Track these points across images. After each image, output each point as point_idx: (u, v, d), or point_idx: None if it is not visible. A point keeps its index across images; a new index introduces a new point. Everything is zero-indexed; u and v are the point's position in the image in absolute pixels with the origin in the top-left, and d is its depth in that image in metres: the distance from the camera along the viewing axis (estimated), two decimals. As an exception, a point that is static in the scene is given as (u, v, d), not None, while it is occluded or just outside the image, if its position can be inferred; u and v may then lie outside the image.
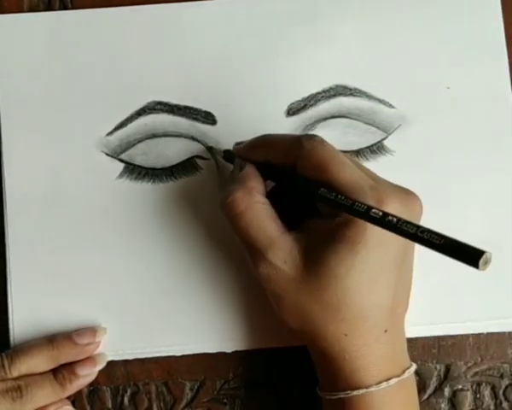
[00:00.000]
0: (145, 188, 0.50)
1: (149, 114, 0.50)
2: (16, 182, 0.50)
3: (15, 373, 0.45)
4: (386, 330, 0.41)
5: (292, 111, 0.50)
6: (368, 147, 0.50)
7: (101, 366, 0.48)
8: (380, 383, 0.41)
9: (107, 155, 0.50)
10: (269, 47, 0.51)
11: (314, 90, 0.50)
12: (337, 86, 0.50)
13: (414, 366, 0.43)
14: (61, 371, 0.47)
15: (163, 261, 0.49)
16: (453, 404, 0.49)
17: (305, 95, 0.50)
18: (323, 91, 0.50)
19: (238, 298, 0.49)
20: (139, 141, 0.50)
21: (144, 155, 0.50)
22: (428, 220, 0.49)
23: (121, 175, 0.50)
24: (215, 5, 0.51)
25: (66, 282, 0.49)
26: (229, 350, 0.49)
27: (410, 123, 0.50)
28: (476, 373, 0.49)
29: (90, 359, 0.48)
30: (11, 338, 0.49)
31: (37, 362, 0.46)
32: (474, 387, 0.49)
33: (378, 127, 0.50)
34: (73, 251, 0.49)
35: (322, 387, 0.44)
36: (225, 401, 0.49)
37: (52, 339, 0.47)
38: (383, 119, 0.50)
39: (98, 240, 0.49)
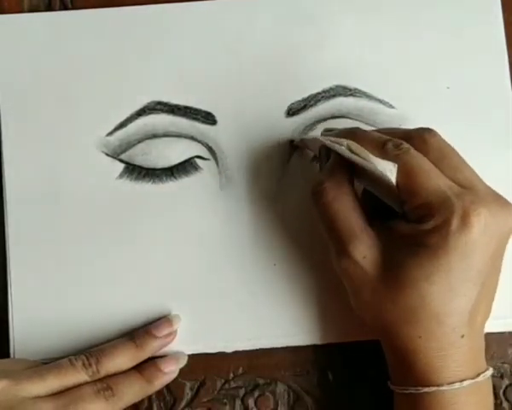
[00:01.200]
0: (145, 188, 0.50)
1: (149, 114, 0.50)
2: (16, 182, 0.50)
3: (103, 373, 0.45)
4: (463, 336, 0.41)
5: (292, 111, 0.50)
6: (368, 147, 0.50)
7: (182, 363, 0.48)
8: (453, 383, 0.41)
9: (108, 155, 0.50)
10: (269, 47, 0.51)
11: (314, 91, 0.50)
12: (337, 86, 0.50)
13: (490, 370, 0.43)
14: (147, 369, 0.47)
15: (163, 262, 0.49)
16: (453, 404, 0.49)
17: (305, 95, 0.50)
18: (323, 92, 0.50)
19: (241, 296, 0.49)
20: (139, 141, 0.50)
21: (144, 155, 0.50)
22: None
23: (121, 175, 0.50)
24: (215, 5, 0.51)
25: (67, 282, 0.49)
26: (228, 350, 0.49)
27: (410, 123, 0.50)
28: (476, 373, 0.49)
29: (172, 356, 0.48)
30: (11, 338, 0.49)
31: (122, 360, 0.46)
32: (475, 387, 0.49)
33: (378, 127, 0.50)
34: (73, 251, 0.49)
35: (393, 381, 0.44)
36: (225, 401, 0.49)
37: (133, 336, 0.47)
38: (383, 119, 0.50)
39: (98, 240, 0.49)
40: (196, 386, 0.49)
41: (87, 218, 0.49)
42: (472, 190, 0.41)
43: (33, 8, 0.52)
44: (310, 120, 0.50)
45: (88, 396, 0.44)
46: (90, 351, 0.46)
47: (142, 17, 0.51)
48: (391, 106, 0.50)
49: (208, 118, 0.50)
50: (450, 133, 0.50)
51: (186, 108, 0.50)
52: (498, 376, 0.49)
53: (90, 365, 0.45)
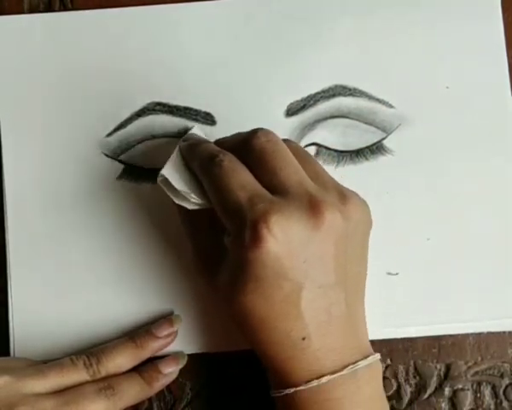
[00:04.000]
0: (145, 189, 0.50)
1: (149, 114, 0.50)
2: (16, 182, 0.50)
3: (103, 372, 0.46)
4: (303, 338, 0.40)
5: (291, 111, 0.50)
6: (367, 147, 0.50)
7: (182, 363, 0.48)
8: (310, 381, 0.40)
9: (107, 155, 0.50)
10: (268, 47, 0.51)
11: (313, 91, 0.50)
12: (336, 86, 0.50)
13: (362, 363, 0.41)
14: (147, 371, 0.47)
15: (163, 262, 0.49)
16: (453, 403, 0.49)
17: (305, 95, 0.50)
18: (323, 91, 0.50)
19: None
20: (139, 142, 0.50)
21: (144, 155, 0.50)
22: (428, 220, 0.50)
23: (121, 176, 0.50)
24: (215, 6, 0.51)
25: (67, 282, 0.49)
26: (229, 350, 0.49)
27: (410, 123, 0.50)
28: (476, 373, 0.49)
29: (172, 357, 0.48)
30: (11, 338, 0.49)
31: (123, 360, 0.46)
32: (475, 386, 0.49)
33: (378, 127, 0.50)
34: (73, 252, 0.49)
35: (270, 385, 0.44)
36: (225, 400, 0.49)
37: (133, 336, 0.47)
38: (383, 119, 0.50)
39: (98, 241, 0.49)
40: (196, 386, 0.49)
41: (87, 218, 0.50)
42: (281, 198, 0.40)
43: (33, 9, 0.52)
44: (309, 120, 0.50)
45: (89, 395, 0.44)
46: (91, 351, 0.47)
47: (141, 18, 0.51)
48: (390, 105, 0.50)
49: (207, 118, 0.50)
50: (450, 133, 0.50)
51: (185, 108, 0.50)
52: (498, 375, 0.49)
53: (90, 364, 0.45)
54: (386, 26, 0.51)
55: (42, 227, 0.50)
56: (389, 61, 0.51)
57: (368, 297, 0.48)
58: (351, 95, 0.50)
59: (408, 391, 0.49)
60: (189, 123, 0.50)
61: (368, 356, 0.42)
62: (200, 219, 0.46)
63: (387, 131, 0.50)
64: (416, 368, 0.49)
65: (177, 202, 0.43)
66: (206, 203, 0.43)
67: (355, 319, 0.42)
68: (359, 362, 0.41)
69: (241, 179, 0.40)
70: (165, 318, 0.48)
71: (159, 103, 0.50)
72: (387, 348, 0.49)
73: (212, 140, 0.50)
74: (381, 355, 0.48)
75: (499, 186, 0.50)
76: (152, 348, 0.47)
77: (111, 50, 0.51)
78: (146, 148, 0.50)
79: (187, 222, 0.47)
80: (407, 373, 0.49)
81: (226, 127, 0.50)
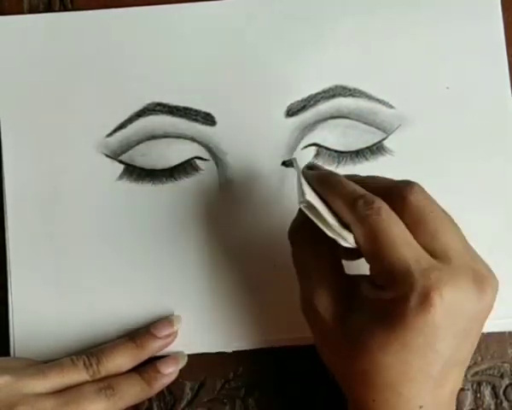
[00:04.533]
0: (145, 189, 0.50)
1: (149, 115, 0.50)
2: (16, 183, 0.50)
3: (103, 372, 0.46)
4: (421, 407, 0.39)
5: (291, 112, 0.50)
6: (367, 147, 0.50)
7: (182, 364, 0.48)
8: None
9: (107, 156, 0.50)
10: (268, 47, 0.51)
11: (314, 91, 0.50)
12: (337, 87, 0.50)
13: None
14: (147, 371, 0.47)
15: (163, 262, 0.49)
16: (453, 404, 0.49)
17: (305, 95, 0.50)
18: (323, 92, 0.50)
19: (241, 297, 0.49)
20: (139, 142, 0.50)
21: (144, 156, 0.50)
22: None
23: (121, 176, 0.50)
24: (214, 6, 0.51)
25: (67, 282, 0.49)
26: (228, 350, 0.49)
27: (410, 123, 0.50)
28: (476, 373, 0.49)
29: (172, 357, 0.48)
30: (11, 338, 0.49)
31: (123, 360, 0.46)
32: (475, 386, 0.49)
33: (378, 128, 0.50)
34: (73, 252, 0.49)
35: None
36: (225, 401, 0.49)
37: (133, 336, 0.47)
38: (383, 119, 0.50)
39: (98, 241, 0.49)
40: (196, 386, 0.49)
41: (87, 218, 0.50)
42: (444, 264, 0.38)
43: (33, 9, 0.52)
44: (309, 121, 0.50)
45: (89, 395, 0.44)
46: (91, 351, 0.47)
47: (141, 18, 0.51)
48: (390, 106, 0.50)
49: (208, 119, 0.50)
50: (450, 133, 0.50)
51: (185, 108, 0.50)
52: (498, 376, 0.49)
53: (90, 364, 0.45)
54: (387, 26, 0.51)
55: (42, 227, 0.50)
56: (389, 61, 0.51)
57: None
58: (351, 95, 0.50)
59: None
60: (189, 123, 0.50)
61: None
62: (322, 255, 0.43)
63: (387, 131, 0.50)
64: (416, 368, 0.49)
65: (330, 235, 0.39)
66: (352, 243, 0.40)
67: (455, 395, 0.42)
68: None
69: (404, 235, 0.38)
70: (166, 318, 0.48)
71: (159, 104, 0.50)
72: (387, 348, 0.49)
73: (212, 140, 0.50)
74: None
75: (499, 186, 0.50)
76: (152, 348, 0.47)
77: (111, 51, 0.51)
78: (146, 148, 0.50)
79: (311, 255, 0.43)
80: (407, 373, 0.49)
81: (226, 127, 0.50)
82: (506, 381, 0.49)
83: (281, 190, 0.50)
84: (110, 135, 0.50)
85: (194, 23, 0.51)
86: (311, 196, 0.40)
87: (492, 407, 0.49)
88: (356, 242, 0.39)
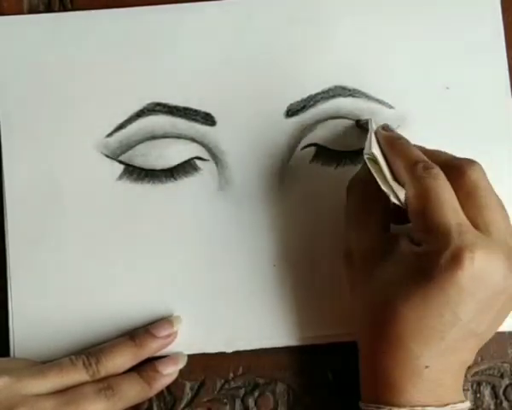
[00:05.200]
0: (145, 189, 0.50)
1: (149, 115, 0.50)
2: (16, 183, 0.50)
3: (103, 372, 0.46)
4: (427, 367, 0.41)
5: (291, 112, 0.50)
6: (367, 147, 0.50)
7: (182, 364, 0.48)
8: (414, 407, 0.41)
9: (107, 156, 0.50)
10: (268, 48, 0.51)
11: (313, 91, 0.50)
12: (336, 87, 0.50)
13: (464, 405, 0.42)
14: (146, 371, 0.47)
15: (163, 262, 0.49)
16: (453, 403, 0.49)
17: (305, 96, 0.50)
18: (323, 92, 0.50)
19: (241, 297, 0.49)
20: (139, 142, 0.50)
21: (144, 156, 0.50)
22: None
23: (121, 176, 0.50)
24: (214, 6, 0.51)
25: (66, 282, 0.49)
26: (228, 350, 0.49)
27: (410, 124, 0.50)
28: (476, 373, 0.49)
29: (171, 358, 0.48)
30: (11, 339, 0.49)
31: (123, 360, 0.46)
32: (475, 386, 0.49)
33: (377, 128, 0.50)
34: (73, 252, 0.49)
35: (362, 397, 0.44)
36: (225, 401, 0.49)
37: (133, 336, 0.47)
38: (382, 119, 0.50)
39: (98, 241, 0.49)
40: (196, 386, 0.49)
41: (87, 219, 0.50)
42: (482, 235, 0.40)
43: (33, 9, 0.52)
44: (309, 121, 0.50)
45: (89, 395, 0.44)
46: (90, 351, 0.47)
47: (141, 18, 0.51)
48: (390, 106, 0.50)
49: (207, 119, 0.50)
50: (450, 134, 0.50)
51: (185, 109, 0.50)
52: (498, 375, 0.49)
53: (90, 364, 0.45)
54: (386, 27, 0.51)
55: (42, 228, 0.49)
56: (389, 61, 0.51)
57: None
58: (350, 95, 0.50)
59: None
60: (188, 123, 0.50)
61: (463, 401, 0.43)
62: (373, 211, 0.45)
63: (387, 131, 0.50)
64: (415, 368, 0.49)
65: (384, 188, 0.43)
66: (401, 199, 0.42)
67: (465, 367, 0.43)
68: (457, 404, 0.42)
69: (453, 202, 0.41)
70: (166, 318, 0.49)
71: (159, 104, 0.50)
72: (387, 349, 0.49)
73: (212, 140, 0.50)
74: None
75: (499, 187, 0.49)
76: (151, 347, 0.47)
77: (111, 51, 0.51)
78: (146, 148, 0.50)
79: (363, 209, 0.45)
80: (407, 373, 0.49)
81: (226, 128, 0.50)
82: (506, 381, 0.49)
83: (280, 190, 0.50)
84: (110, 135, 0.50)
85: (194, 23, 0.51)
86: (376, 150, 0.43)
87: (492, 407, 0.49)
88: (406, 200, 0.42)
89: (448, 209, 0.40)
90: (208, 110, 0.50)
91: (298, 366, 0.49)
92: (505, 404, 0.49)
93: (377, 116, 0.50)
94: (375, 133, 0.45)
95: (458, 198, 0.41)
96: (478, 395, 0.49)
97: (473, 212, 0.41)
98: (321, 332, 0.49)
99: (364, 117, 0.50)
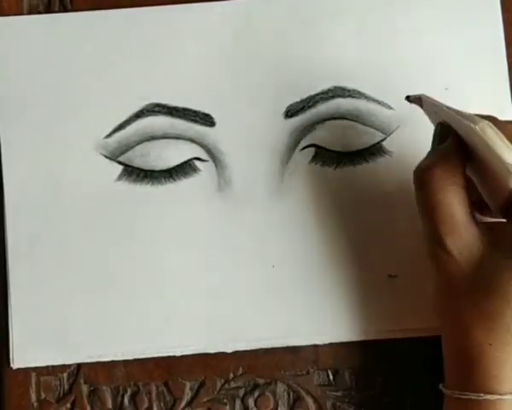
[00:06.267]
0: (144, 190, 0.50)
1: (148, 116, 0.50)
2: (16, 184, 0.50)
3: None
4: None
5: (290, 113, 0.50)
6: (366, 148, 0.50)
7: None
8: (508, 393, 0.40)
9: (106, 157, 0.50)
10: (267, 48, 0.51)
11: (312, 92, 0.50)
12: (335, 88, 0.50)
13: None
14: None
15: (162, 263, 0.49)
16: (453, 404, 0.49)
17: (304, 96, 0.50)
18: (322, 93, 0.50)
19: (240, 297, 0.49)
20: (138, 143, 0.50)
21: (143, 157, 0.50)
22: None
23: (120, 177, 0.50)
24: (213, 7, 0.51)
25: (66, 283, 0.49)
26: (228, 350, 0.49)
27: (409, 124, 0.50)
28: (476, 373, 0.49)
29: None
30: (11, 339, 0.49)
31: None
32: (475, 387, 0.49)
33: (377, 129, 0.50)
34: (72, 253, 0.49)
35: (448, 384, 0.43)
36: (225, 401, 0.49)
37: None
38: (382, 120, 0.50)
39: (97, 242, 0.49)
40: (196, 386, 0.49)
41: (86, 220, 0.50)
42: None
43: (32, 9, 0.52)
44: (308, 122, 0.50)
45: None
46: None
47: (140, 19, 0.51)
48: (389, 107, 0.50)
49: (207, 119, 0.50)
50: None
51: (184, 109, 0.50)
52: (498, 376, 0.49)
53: None
54: (386, 27, 0.51)
55: (41, 229, 0.50)
56: (388, 62, 0.51)
57: (368, 299, 0.48)
58: (350, 96, 0.50)
59: (407, 391, 0.49)
60: (188, 124, 0.50)
61: None
62: (463, 199, 0.41)
63: (386, 132, 0.50)
64: (416, 368, 0.49)
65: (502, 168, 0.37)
66: None
67: None
68: None
69: None
70: None
71: (158, 104, 0.50)
72: (387, 348, 0.49)
73: (211, 141, 0.50)
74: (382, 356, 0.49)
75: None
76: None
77: (110, 51, 0.51)
78: (145, 149, 0.50)
79: (443, 197, 0.41)
80: (407, 373, 0.49)
81: (225, 128, 0.50)
82: (506, 381, 0.49)
83: (280, 191, 0.50)
84: (109, 136, 0.50)
85: (193, 23, 0.51)
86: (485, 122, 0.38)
87: (492, 407, 0.49)
88: None
89: None
90: (207, 111, 0.50)
91: (298, 366, 0.49)
92: (505, 404, 0.49)
93: (377, 117, 0.50)
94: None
95: None
96: (478, 395, 0.49)
97: None
98: (320, 332, 0.49)
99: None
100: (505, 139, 0.38)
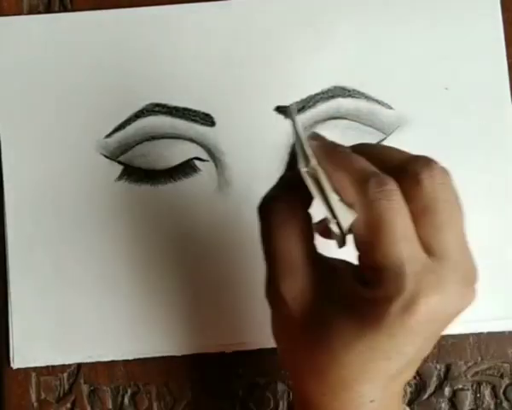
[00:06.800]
0: (144, 190, 0.50)
1: (148, 116, 0.50)
2: (16, 184, 0.50)
3: None
4: (372, 401, 0.37)
5: (291, 112, 0.50)
6: (366, 148, 0.50)
7: None
8: None
9: (106, 157, 0.50)
10: (267, 48, 0.51)
11: (312, 92, 0.50)
12: (335, 87, 0.50)
13: None
14: None
15: (161, 263, 0.49)
16: (453, 404, 0.49)
17: (304, 96, 0.50)
18: (322, 93, 0.50)
19: (242, 297, 0.49)
20: (138, 143, 0.50)
21: (143, 157, 0.50)
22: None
23: (120, 177, 0.50)
24: (213, 7, 0.51)
25: (66, 283, 0.49)
26: (228, 350, 0.49)
27: (409, 124, 0.50)
28: (476, 373, 0.49)
29: None
30: (11, 339, 0.49)
31: None
32: (475, 386, 0.49)
33: (377, 129, 0.50)
34: (72, 252, 0.49)
35: None
36: (225, 401, 0.49)
37: None
38: (382, 120, 0.50)
39: (97, 242, 0.50)
40: (196, 386, 0.49)
41: (86, 220, 0.50)
42: (438, 264, 0.34)
43: (32, 9, 0.52)
44: (308, 121, 0.50)
45: None
46: None
47: (140, 19, 0.51)
48: (389, 107, 0.50)
49: (207, 119, 0.50)
50: (449, 134, 0.50)
51: (185, 109, 0.50)
52: (498, 376, 0.49)
53: None
54: (386, 27, 0.51)
55: (41, 229, 0.50)
56: (388, 62, 0.51)
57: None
58: (350, 96, 0.50)
59: (408, 391, 0.49)
60: (188, 124, 0.50)
61: None
62: (303, 238, 0.37)
63: (386, 132, 0.50)
64: (415, 368, 0.49)
65: (328, 214, 0.34)
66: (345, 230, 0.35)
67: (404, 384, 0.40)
68: None
69: (407, 228, 0.34)
70: None
71: (158, 104, 0.50)
72: (387, 349, 0.49)
73: (211, 141, 0.50)
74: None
75: (499, 187, 0.50)
76: None
77: (110, 51, 0.51)
78: (145, 149, 0.50)
79: (282, 235, 0.37)
80: (407, 373, 0.49)
81: (225, 128, 0.50)
82: (506, 381, 0.49)
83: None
84: (109, 136, 0.50)
85: (194, 23, 0.51)
86: (315, 161, 0.34)
87: (492, 406, 0.49)
88: (353, 226, 0.34)
89: (400, 241, 0.33)
90: (207, 111, 0.50)
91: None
92: (505, 404, 0.49)
93: (377, 117, 0.50)
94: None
95: (412, 212, 0.34)
96: (478, 395, 0.49)
97: (429, 232, 0.34)
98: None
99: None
100: (328, 186, 0.34)
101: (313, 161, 0.34)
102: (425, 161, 0.35)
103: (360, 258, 0.36)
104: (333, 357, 0.35)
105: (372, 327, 0.34)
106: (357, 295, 0.35)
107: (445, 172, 0.35)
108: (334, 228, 0.34)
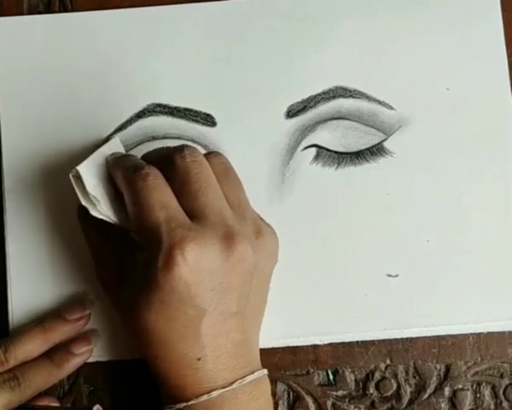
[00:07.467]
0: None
1: (149, 116, 0.50)
2: (16, 184, 0.50)
3: (12, 361, 0.45)
4: (199, 358, 0.42)
5: (291, 113, 0.50)
6: (368, 149, 0.50)
7: (95, 343, 0.48)
8: (200, 396, 0.41)
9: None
10: (268, 48, 0.51)
11: (314, 92, 0.50)
12: (337, 88, 0.50)
13: (252, 376, 0.43)
14: (57, 353, 0.47)
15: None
16: (453, 404, 0.49)
17: (305, 96, 0.50)
18: (323, 93, 0.50)
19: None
20: (139, 143, 0.50)
21: (144, 157, 0.50)
22: (428, 222, 0.49)
23: (120, 177, 0.50)
24: (214, 7, 0.51)
25: (66, 283, 0.49)
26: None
27: (410, 124, 0.50)
28: (476, 373, 0.49)
29: (83, 337, 0.48)
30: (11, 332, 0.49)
31: (32, 346, 0.46)
32: (474, 386, 0.49)
33: (378, 129, 0.50)
34: (72, 252, 0.49)
35: (164, 402, 0.44)
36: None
37: (42, 321, 0.47)
38: (383, 120, 0.50)
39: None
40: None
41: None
42: (198, 223, 0.41)
43: (33, 9, 0.52)
44: (309, 122, 0.50)
45: None
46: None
47: (141, 19, 0.51)
48: (390, 107, 0.50)
49: (208, 119, 0.50)
50: (450, 134, 0.50)
51: (186, 109, 0.50)
52: (498, 376, 0.49)
53: None
54: (387, 27, 0.51)
55: (41, 228, 0.49)
56: (389, 62, 0.51)
57: (368, 299, 0.48)
58: (351, 96, 0.50)
59: (408, 391, 0.49)
60: (189, 124, 0.50)
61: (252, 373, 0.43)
62: (107, 229, 0.45)
63: (388, 132, 0.50)
64: (415, 368, 0.49)
65: (83, 202, 0.44)
66: (111, 217, 0.44)
67: (249, 343, 0.44)
68: (247, 377, 0.42)
69: (163, 198, 0.41)
70: (78, 301, 0.49)
71: (159, 105, 0.50)
72: (387, 348, 0.49)
73: (212, 141, 0.50)
74: (381, 355, 0.49)
75: (499, 187, 0.50)
76: (62, 331, 0.47)
77: (111, 52, 0.51)
78: (146, 149, 0.49)
79: (91, 231, 0.47)
80: (407, 373, 0.49)
81: (226, 128, 0.50)
82: (506, 381, 0.49)
83: (281, 191, 0.50)
84: (110, 136, 0.50)
85: (194, 23, 0.51)
86: (83, 168, 0.44)
87: (492, 406, 0.49)
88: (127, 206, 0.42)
89: (158, 209, 0.40)
90: (209, 111, 0.50)
91: (298, 366, 0.49)
92: (505, 404, 0.49)
93: (378, 117, 0.50)
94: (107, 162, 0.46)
95: (174, 189, 0.42)
96: (478, 395, 0.49)
97: (188, 199, 0.42)
98: (320, 332, 0.49)
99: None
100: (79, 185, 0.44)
101: (79, 166, 0.44)
102: (177, 148, 0.43)
103: (135, 231, 0.42)
104: (141, 319, 0.41)
105: (153, 284, 0.40)
106: (140, 262, 0.42)
107: (195, 152, 0.43)
108: (95, 213, 0.44)
